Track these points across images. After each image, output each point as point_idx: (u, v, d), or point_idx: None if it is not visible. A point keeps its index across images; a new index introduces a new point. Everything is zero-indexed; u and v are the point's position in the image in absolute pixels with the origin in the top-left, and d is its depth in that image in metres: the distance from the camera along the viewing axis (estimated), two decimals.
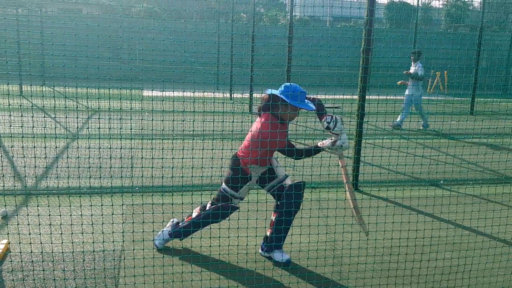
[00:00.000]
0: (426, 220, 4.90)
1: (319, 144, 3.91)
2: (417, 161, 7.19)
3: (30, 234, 3.73)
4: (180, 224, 4.20)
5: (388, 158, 6.98)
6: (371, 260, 4.11)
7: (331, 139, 3.87)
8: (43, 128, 8.11)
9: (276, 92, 3.82)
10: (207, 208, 4.09)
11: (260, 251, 4.18)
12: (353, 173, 6.06)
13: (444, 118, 11.83)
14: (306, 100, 3.88)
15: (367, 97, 5.71)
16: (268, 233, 4.11)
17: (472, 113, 13.78)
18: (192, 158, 3.95)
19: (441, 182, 6.58)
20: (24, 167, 5.63)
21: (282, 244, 4.07)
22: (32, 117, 4.06)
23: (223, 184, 4.04)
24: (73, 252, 3.97)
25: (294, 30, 9.23)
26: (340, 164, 3.92)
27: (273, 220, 4.03)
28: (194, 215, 4.15)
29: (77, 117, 5.38)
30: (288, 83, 3.87)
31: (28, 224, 3.91)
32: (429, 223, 4.81)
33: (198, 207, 4.20)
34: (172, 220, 4.31)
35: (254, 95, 11.85)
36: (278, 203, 4.01)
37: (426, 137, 9.68)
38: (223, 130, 4.97)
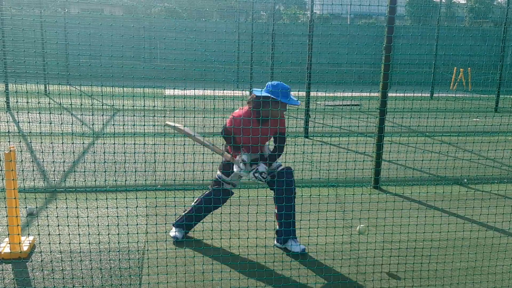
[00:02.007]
0: (450, 219, 4.83)
1: (235, 158, 4.09)
2: (440, 159, 7.09)
3: (56, 232, 3.80)
4: (184, 215, 4.41)
5: (414, 155, 6.90)
6: (394, 259, 4.07)
7: (241, 165, 4.05)
8: (69, 127, 8.26)
9: (262, 92, 3.99)
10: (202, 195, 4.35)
11: (275, 243, 4.28)
12: (374, 171, 6.01)
13: (467, 115, 11.62)
14: (291, 96, 4.06)
15: (389, 94, 5.64)
16: (277, 226, 4.24)
17: (497, 110, 13.51)
18: (212, 153, 3.97)
19: (465, 180, 6.48)
20: (53, 162, 5.73)
21: (295, 234, 4.21)
22: (61, 114, 4.12)
23: (218, 171, 4.30)
24: (99, 250, 4.03)
25: (314, 28, 9.18)
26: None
27: (276, 212, 4.18)
28: (193, 203, 4.40)
29: (102, 115, 5.47)
30: (274, 82, 4.03)
31: (56, 224, 3.99)
32: (452, 222, 4.73)
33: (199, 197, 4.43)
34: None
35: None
36: (275, 194, 4.16)
37: (449, 135, 9.53)
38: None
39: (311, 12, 9.53)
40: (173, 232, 4.40)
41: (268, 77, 12.14)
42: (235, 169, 4.09)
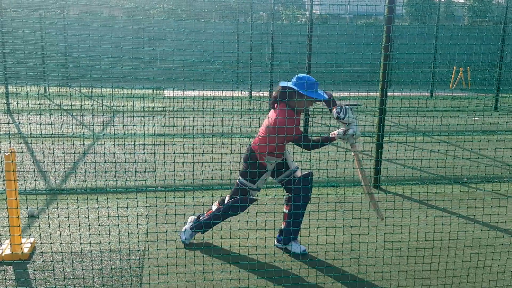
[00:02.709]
0: (450, 219, 4.83)
1: (330, 134, 3.93)
2: (440, 158, 7.09)
3: (57, 233, 3.80)
4: (200, 217, 4.29)
5: (413, 155, 6.90)
6: (395, 259, 4.07)
7: (343, 129, 3.87)
8: (69, 128, 8.27)
9: (289, 84, 3.88)
10: (226, 201, 4.17)
11: (276, 243, 4.27)
12: (374, 170, 6.01)
13: (467, 114, 11.63)
14: (319, 90, 3.94)
15: (389, 94, 5.65)
16: (282, 226, 4.21)
17: (497, 109, 13.51)
18: (212, 153, 3.97)
19: (465, 179, 6.48)
20: (54, 163, 5.74)
21: (298, 235, 4.18)
22: (61, 115, 4.14)
23: (240, 177, 4.11)
24: (100, 251, 4.03)
25: (314, 28, 9.18)
26: (352, 151, 3.92)
27: (286, 213, 4.14)
28: (213, 208, 4.25)
29: (102, 115, 5.48)
30: (301, 75, 3.92)
31: (58, 225, 3.99)
32: (452, 221, 4.74)
33: (217, 201, 4.29)
34: (191, 217, 4.40)
35: (274, 93, 11.81)
36: (289, 195, 4.11)
37: (449, 134, 9.53)
38: (241, 127, 4.99)
39: (310, 12, 9.53)
40: (185, 235, 4.29)
41: (268, 77, 12.14)
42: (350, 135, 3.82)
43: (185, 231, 4.31)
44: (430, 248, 4.24)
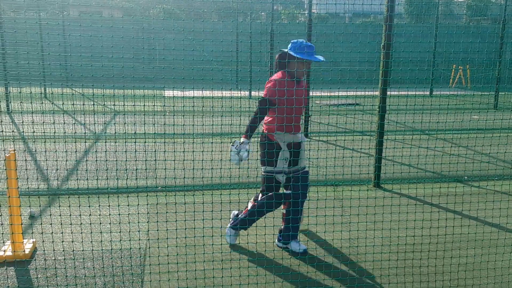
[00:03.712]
0: (450, 217, 4.85)
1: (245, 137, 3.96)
2: (440, 157, 7.11)
3: (58, 233, 3.82)
4: (239, 215, 4.30)
5: (411, 152, 6.92)
6: (394, 257, 4.09)
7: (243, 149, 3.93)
8: (69, 129, 8.28)
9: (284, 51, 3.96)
10: (259, 198, 4.17)
11: (276, 242, 4.29)
12: (374, 168, 6.02)
13: (467, 113, 11.65)
14: (317, 56, 3.99)
15: (388, 92, 5.67)
16: (282, 226, 4.23)
17: (496, 108, 13.53)
18: (212, 151, 3.99)
19: (465, 177, 6.50)
20: (57, 166, 5.76)
21: (297, 233, 4.19)
22: (63, 115, 4.15)
23: (261, 166, 4.09)
24: (102, 250, 4.05)
25: (313, 27, 9.20)
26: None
27: (284, 212, 4.16)
28: (249, 205, 4.25)
29: (103, 115, 5.51)
30: (295, 40, 3.98)
31: (60, 223, 4.01)
32: (452, 219, 4.75)
33: (253, 198, 4.28)
34: (232, 213, 4.43)
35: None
36: (285, 193, 4.12)
37: (449, 132, 9.55)
38: (240, 127, 5.01)
39: (309, 12, 9.55)
40: (229, 235, 4.33)
41: (267, 76, 12.14)
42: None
43: (229, 229, 4.33)
44: (429, 246, 4.25)
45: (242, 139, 3.95)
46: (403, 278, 3.71)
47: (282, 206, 4.21)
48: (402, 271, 3.82)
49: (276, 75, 3.99)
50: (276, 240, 4.30)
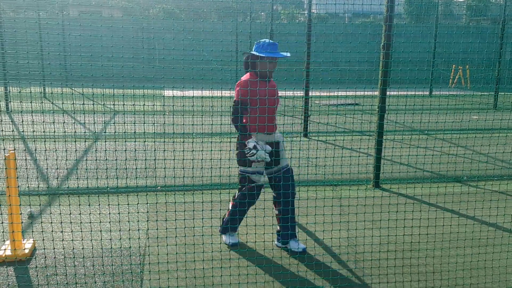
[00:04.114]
0: (448, 217, 4.86)
1: (247, 142, 3.93)
2: (439, 157, 7.12)
3: (58, 233, 3.82)
4: (224, 219, 4.33)
5: (409, 151, 6.92)
6: (392, 256, 4.10)
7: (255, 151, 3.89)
8: (71, 130, 8.28)
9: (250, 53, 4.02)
10: (235, 196, 4.21)
11: (276, 242, 4.29)
12: (374, 168, 6.04)
13: (466, 113, 11.66)
14: (282, 53, 4.04)
15: (387, 92, 5.67)
16: (278, 227, 4.23)
17: (496, 108, 13.54)
18: (211, 151, 3.99)
19: (464, 178, 6.51)
20: (56, 165, 5.77)
21: (295, 232, 4.20)
22: (63, 115, 4.16)
23: (238, 167, 4.14)
24: (102, 248, 4.06)
25: (313, 27, 9.21)
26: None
27: (277, 213, 4.18)
28: (230, 206, 4.29)
29: (103, 114, 5.51)
30: (261, 40, 4.06)
31: (60, 222, 4.02)
32: (451, 219, 4.76)
33: (232, 198, 4.32)
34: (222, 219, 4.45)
35: None
36: (275, 194, 4.15)
37: (448, 132, 9.56)
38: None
39: (309, 12, 9.56)
40: (224, 239, 4.35)
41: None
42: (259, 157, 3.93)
43: (225, 239, 4.33)
44: (427, 245, 4.26)
45: (250, 141, 3.92)
46: (401, 278, 3.72)
47: (274, 208, 4.22)
48: (401, 271, 3.83)
49: (245, 77, 4.06)
50: (276, 240, 4.32)
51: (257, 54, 3.95)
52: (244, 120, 4.01)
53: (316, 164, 6.83)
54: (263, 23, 18.72)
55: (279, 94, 4.20)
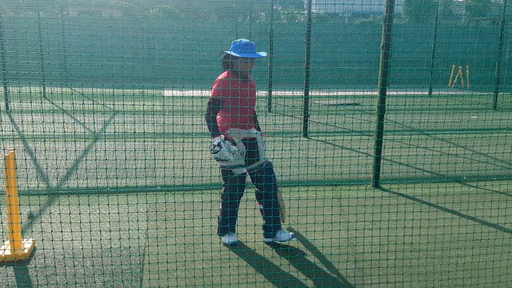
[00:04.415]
0: (448, 217, 4.86)
1: (215, 138, 4.03)
2: (438, 157, 7.12)
3: (58, 233, 3.82)
4: (219, 221, 4.38)
5: (409, 152, 6.92)
6: (392, 256, 4.10)
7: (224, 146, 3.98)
8: (71, 130, 8.27)
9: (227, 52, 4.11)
10: (222, 194, 4.30)
11: (264, 239, 4.33)
12: (374, 169, 6.04)
13: (466, 113, 11.67)
14: (259, 52, 4.13)
15: (387, 92, 5.67)
16: (264, 222, 4.30)
17: (496, 108, 13.55)
18: (212, 150, 3.99)
19: (464, 178, 6.51)
20: (56, 165, 5.77)
21: (280, 223, 4.29)
22: (63, 115, 4.16)
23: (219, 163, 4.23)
24: (101, 248, 4.06)
25: (312, 27, 9.21)
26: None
27: (262, 208, 4.25)
28: (220, 205, 4.35)
29: (103, 114, 5.51)
30: (235, 40, 4.15)
31: (60, 222, 4.01)
32: (451, 219, 4.76)
33: (220, 196, 4.39)
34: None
35: (273, 92, 11.87)
36: (258, 189, 4.23)
37: (448, 132, 9.56)
38: None
39: (309, 12, 9.56)
40: (224, 240, 4.36)
41: (266, 76, 12.17)
42: (227, 158, 4.03)
43: (224, 239, 4.35)
44: (427, 245, 4.26)
45: (216, 139, 4.00)
46: (401, 278, 3.72)
47: (257, 203, 4.30)
48: (401, 271, 3.83)
49: (222, 75, 4.15)
50: (264, 237, 4.34)
51: (234, 54, 4.02)
52: (220, 118, 4.13)
53: (315, 164, 6.83)
54: (263, 23, 18.72)
55: (257, 94, 4.30)
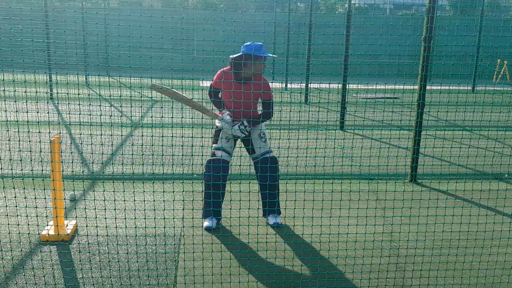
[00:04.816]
0: (488, 214, 4.73)
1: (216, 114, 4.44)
2: (479, 154, 6.91)
3: (96, 217, 3.96)
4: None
5: (450, 150, 6.76)
6: (429, 252, 4.04)
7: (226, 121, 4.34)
8: (109, 117, 8.49)
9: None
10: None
11: (269, 223, 4.53)
12: (411, 165, 5.93)
13: (508, 110, 11.24)
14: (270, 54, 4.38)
15: (428, 87, 5.54)
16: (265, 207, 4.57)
17: None
18: (242, 131, 4.01)
19: (506, 175, 6.31)
20: (92, 153, 5.96)
21: (279, 209, 4.57)
22: (103, 103, 4.30)
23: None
24: (136, 235, 4.17)
25: (353, 19, 9.07)
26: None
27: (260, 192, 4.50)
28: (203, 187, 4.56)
29: (141, 106, 5.66)
30: (247, 42, 4.32)
31: (95, 208, 4.16)
32: (490, 217, 4.64)
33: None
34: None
35: (311, 85, 11.78)
36: (258, 175, 4.44)
37: (491, 129, 9.25)
38: (280, 120, 5.07)
39: (349, 3, 9.42)
40: (204, 223, 4.49)
41: (304, 69, 12.09)
42: (217, 124, 4.34)
43: (206, 223, 4.50)
44: (466, 242, 4.17)
45: (222, 115, 4.37)
46: (436, 273, 3.67)
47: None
48: (436, 267, 3.77)
49: (225, 68, 4.40)
50: (268, 222, 4.56)
51: (248, 53, 4.21)
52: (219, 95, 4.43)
53: (351, 157, 6.77)
54: (303, 13, 18.57)
55: (264, 95, 4.42)
